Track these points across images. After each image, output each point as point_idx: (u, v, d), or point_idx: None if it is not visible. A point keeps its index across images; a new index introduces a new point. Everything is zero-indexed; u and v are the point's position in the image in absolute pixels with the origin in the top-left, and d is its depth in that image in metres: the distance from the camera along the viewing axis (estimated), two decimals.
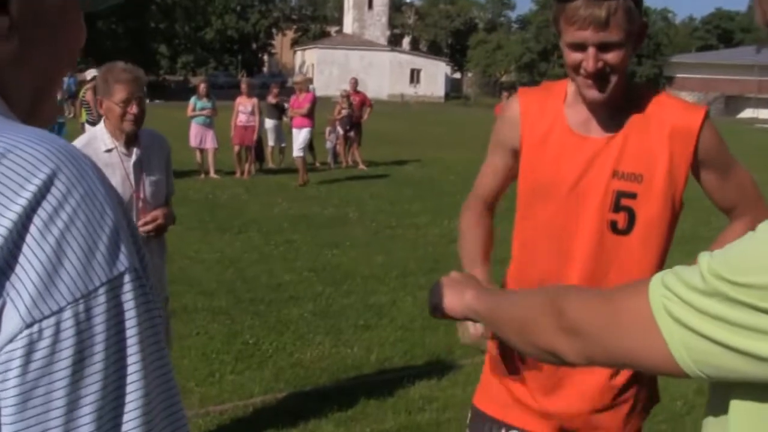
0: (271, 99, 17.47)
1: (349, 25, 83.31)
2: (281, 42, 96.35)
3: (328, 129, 18.23)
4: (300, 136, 15.46)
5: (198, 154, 15.76)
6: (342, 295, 7.45)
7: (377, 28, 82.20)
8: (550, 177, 2.22)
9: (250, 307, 6.89)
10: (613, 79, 2.06)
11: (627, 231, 2.16)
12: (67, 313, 0.69)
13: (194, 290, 7.32)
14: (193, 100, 15.66)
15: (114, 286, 0.73)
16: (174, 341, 5.83)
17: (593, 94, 2.09)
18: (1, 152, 0.71)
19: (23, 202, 0.69)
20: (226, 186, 14.51)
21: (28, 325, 0.67)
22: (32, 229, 0.69)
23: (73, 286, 0.70)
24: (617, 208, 2.15)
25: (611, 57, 2.02)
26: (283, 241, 9.78)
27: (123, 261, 0.74)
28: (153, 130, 4.04)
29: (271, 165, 17.66)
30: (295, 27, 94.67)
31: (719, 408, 1.02)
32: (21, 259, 0.68)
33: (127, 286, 0.74)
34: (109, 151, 3.69)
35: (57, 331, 0.68)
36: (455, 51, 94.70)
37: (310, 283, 7.83)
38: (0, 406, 0.68)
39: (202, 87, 15.85)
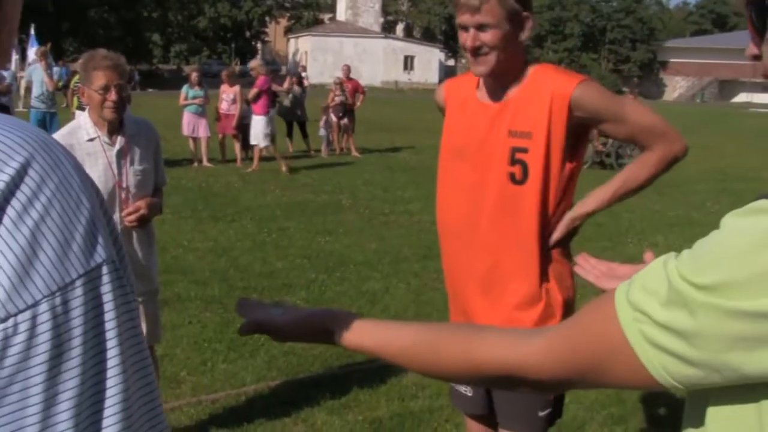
0: (275, 88, 17.49)
1: (342, 13, 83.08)
2: (274, 30, 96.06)
3: (323, 118, 18.17)
4: (257, 125, 15.12)
5: (191, 142, 15.71)
6: (335, 282, 7.43)
7: (370, 15, 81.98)
8: (462, 139, 2.70)
9: (243, 296, 6.84)
10: (492, 54, 2.49)
11: (522, 181, 2.56)
12: (43, 307, 0.66)
13: (187, 279, 7.30)
14: (185, 88, 15.61)
15: (91, 278, 0.70)
16: (165, 331, 5.82)
17: (476, 69, 2.55)
18: None
19: None
20: (219, 174, 14.47)
21: (2, 320, 0.64)
22: (5, 219, 0.66)
23: (49, 278, 0.67)
24: (513, 161, 2.56)
25: (486, 36, 2.47)
26: (276, 228, 9.75)
27: (100, 252, 0.72)
28: (141, 119, 4.01)
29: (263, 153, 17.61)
30: (288, 15, 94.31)
31: (697, 418, 0.98)
32: None
33: (105, 278, 0.72)
34: (91, 140, 3.66)
35: (33, 326, 0.65)
36: (449, 37, 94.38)
37: (304, 270, 7.81)
38: None
39: (194, 76, 15.81)
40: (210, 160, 15.65)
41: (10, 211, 0.66)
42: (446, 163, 2.79)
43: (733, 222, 0.89)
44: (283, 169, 14.90)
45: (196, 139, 15.64)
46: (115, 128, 3.72)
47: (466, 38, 2.50)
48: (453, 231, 2.78)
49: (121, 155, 3.72)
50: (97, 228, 0.72)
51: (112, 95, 3.59)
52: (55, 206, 0.69)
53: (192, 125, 15.53)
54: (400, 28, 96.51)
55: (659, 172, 2.61)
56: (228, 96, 16.01)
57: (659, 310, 0.91)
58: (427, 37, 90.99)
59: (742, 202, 0.90)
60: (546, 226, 2.60)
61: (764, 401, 0.88)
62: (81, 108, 14.13)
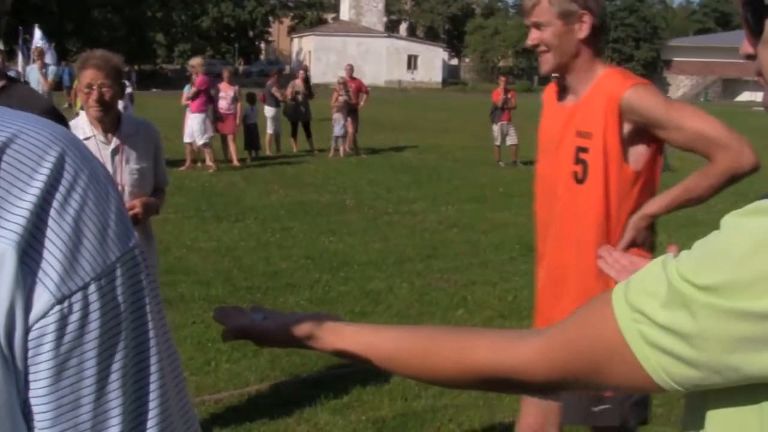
0: (275, 92, 17.54)
1: (345, 12, 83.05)
2: (278, 29, 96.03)
3: (334, 117, 18.10)
4: (194, 123, 14.95)
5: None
6: (339, 282, 7.43)
7: (374, 14, 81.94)
8: (546, 138, 2.93)
9: (246, 296, 6.88)
10: (549, 53, 2.70)
11: (582, 180, 2.69)
12: (92, 288, 0.72)
13: (191, 279, 7.30)
14: (187, 88, 15.60)
15: (127, 260, 0.76)
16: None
17: (540, 68, 2.80)
18: (9, 137, 0.72)
19: (39, 184, 0.71)
20: (222, 174, 14.48)
21: (59, 301, 0.70)
22: (51, 210, 0.71)
23: (94, 261, 0.73)
24: (577, 161, 2.70)
25: (541, 34, 2.70)
26: (279, 228, 9.76)
27: (130, 236, 0.78)
28: (142, 119, 4.04)
29: (267, 152, 17.63)
30: (291, 14, 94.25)
31: (696, 421, 0.98)
32: (44, 239, 0.70)
33: (138, 260, 0.78)
34: (87, 139, 3.70)
35: (85, 305, 0.72)
36: (452, 37, 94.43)
37: (307, 270, 7.81)
38: (31, 379, 0.71)
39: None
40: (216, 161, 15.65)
41: (54, 203, 0.72)
42: (538, 159, 3.02)
43: (735, 222, 0.88)
44: (211, 170, 14.76)
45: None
46: (109, 127, 3.76)
47: (528, 38, 2.76)
48: (539, 221, 2.97)
49: (115, 154, 3.76)
50: (124, 214, 0.79)
51: (94, 94, 3.62)
52: (90, 196, 0.74)
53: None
54: (403, 28, 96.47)
55: (720, 184, 2.58)
56: (227, 95, 16.03)
57: (659, 310, 0.90)
58: (431, 36, 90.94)
59: (747, 201, 0.90)
60: (605, 226, 2.68)
61: (765, 402, 0.88)
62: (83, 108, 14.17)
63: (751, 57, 1.01)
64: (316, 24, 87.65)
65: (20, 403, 0.71)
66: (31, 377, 0.71)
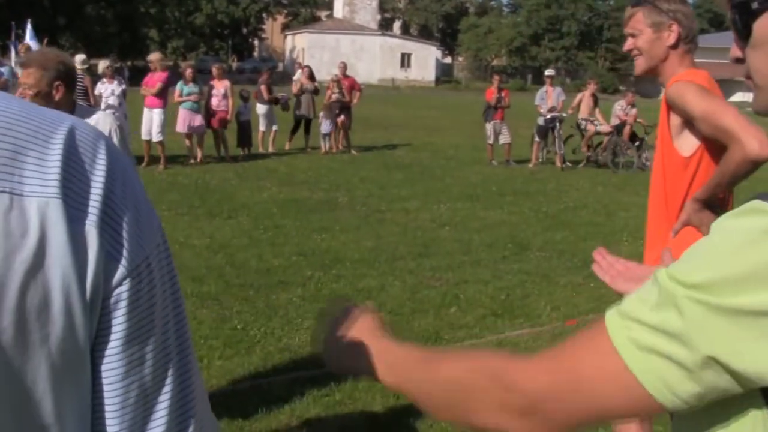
0: (264, 92, 17.53)
1: (339, 10, 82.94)
2: (271, 26, 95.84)
3: (321, 114, 18.13)
4: (156, 118, 14.81)
5: (186, 139, 15.71)
6: (331, 279, 7.44)
7: (368, 12, 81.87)
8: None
9: (239, 293, 6.88)
10: (641, 58, 3.11)
11: (650, 167, 3.26)
12: (152, 260, 0.82)
13: (183, 276, 7.29)
14: (179, 85, 15.57)
15: (164, 239, 0.87)
16: None
17: (635, 70, 3.20)
18: (72, 127, 0.80)
19: (101, 172, 0.79)
20: (215, 171, 14.47)
21: (129, 273, 0.79)
22: (115, 195, 0.79)
23: (149, 238, 0.82)
24: (656, 149, 3.20)
25: (635, 41, 3.11)
26: (272, 225, 9.76)
27: (158, 218, 0.87)
28: (99, 114, 4.10)
29: (261, 149, 17.61)
30: (285, 11, 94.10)
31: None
32: (113, 220, 0.79)
33: (165, 236, 0.88)
34: None
35: (149, 275, 0.81)
36: (446, 35, 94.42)
37: (299, 267, 7.82)
38: (110, 339, 0.79)
39: (189, 72, 15.80)
40: (206, 156, 15.63)
41: (117, 188, 0.80)
42: None
43: (725, 224, 0.89)
44: (162, 166, 14.64)
45: (191, 136, 15.62)
46: None
47: (625, 44, 3.20)
48: None
49: None
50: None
51: (26, 94, 3.74)
52: (135, 183, 0.84)
53: (187, 121, 15.51)
54: (397, 26, 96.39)
55: (738, 170, 2.74)
56: (218, 91, 16.04)
57: (649, 313, 0.90)
58: (424, 34, 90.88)
59: (739, 202, 0.91)
60: (663, 207, 3.10)
61: (756, 411, 0.89)
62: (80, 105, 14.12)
63: (740, 60, 1.02)
64: (310, 21, 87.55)
65: (91, 362, 0.80)
66: (108, 337, 0.80)
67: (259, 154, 17.03)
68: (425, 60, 77.58)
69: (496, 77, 18.62)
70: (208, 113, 15.82)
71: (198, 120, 15.56)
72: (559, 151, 17.47)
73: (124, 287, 0.79)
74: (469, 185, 14.06)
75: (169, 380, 0.84)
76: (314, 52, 72.57)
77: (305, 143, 18.18)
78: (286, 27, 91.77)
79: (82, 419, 0.80)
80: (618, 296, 4.82)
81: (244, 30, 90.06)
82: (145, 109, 15.00)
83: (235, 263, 7.88)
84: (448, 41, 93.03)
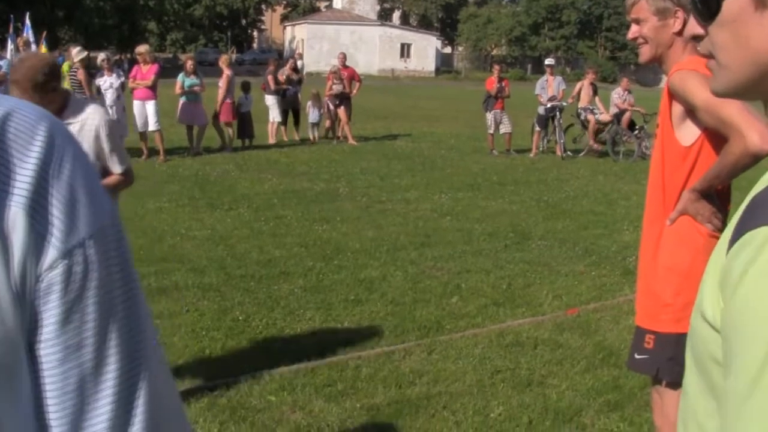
0: (271, 82, 17.55)
1: (338, 0, 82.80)
2: (271, 18, 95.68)
3: (309, 103, 18.11)
4: (150, 110, 14.74)
5: (188, 130, 15.71)
6: (332, 270, 7.44)
7: (367, 2, 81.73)
8: None
9: (240, 284, 6.88)
10: (646, 46, 3.06)
11: (651, 155, 3.17)
12: (89, 244, 0.81)
13: (185, 267, 7.30)
14: (180, 77, 15.57)
15: (114, 223, 0.86)
16: (162, 320, 5.83)
17: (640, 58, 3.16)
18: (7, 112, 0.80)
19: (36, 154, 0.80)
20: (216, 163, 14.46)
21: (63, 256, 0.79)
22: (49, 177, 0.80)
23: (88, 222, 0.82)
24: (656, 137, 3.13)
25: (638, 29, 3.06)
26: (273, 216, 9.76)
27: (110, 204, 0.87)
28: (92, 106, 4.09)
29: (271, 141, 17.60)
30: (284, 2, 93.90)
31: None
32: (46, 202, 0.79)
33: (120, 227, 0.88)
34: None
35: (85, 259, 0.81)
36: (446, 25, 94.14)
37: (301, 258, 7.82)
38: (41, 324, 0.79)
39: (190, 64, 15.78)
40: (206, 148, 15.61)
41: (51, 170, 0.80)
42: None
43: None
44: (161, 159, 14.58)
45: (192, 127, 15.62)
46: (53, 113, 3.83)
47: (629, 32, 3.16)
48: None
49: None
50: (102, 186, 0.88)
51: None
52: (78, 165, 0.83)
53: (188, 113, 15.51)
54: (396, 16, 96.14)
55: (738, 163, 2.71)
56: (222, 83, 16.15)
57: None
58: (424, 24, 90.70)
59: (739, 189, 0.91)
60: (660, 195, 3.05)
61: None
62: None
63: (697, 38, 1.01)
64: (309, 12, 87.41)
65: (26, 347, 0.79)
66: (41, 322, 0.80)
67: (259, 146, 17.00)
68: (425, 50, 77.47)
69: (496, 67, 18.56)
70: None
71: (200, 111, 15.55)
72: (559, 140, 17.44)
73: (57, 270, 0.79)
74: (469, 175, 14.05)
75: (112, 368, 0.83)
76: (314, 43, 72.51)
77: (296, 134, 18.21)
78: (285, 18, 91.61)
79: (22, 417, 0.80)
80: (619, 285, 4.92)
81: (243, 21, 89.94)
82: (136, 102, 14.82)
83: (236, 254, 7.88)
84: (447, 31, 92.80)
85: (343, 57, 19.20)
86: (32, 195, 0.78)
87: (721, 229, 2.91)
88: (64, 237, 0.80)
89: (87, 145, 3.91)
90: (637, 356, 3.09)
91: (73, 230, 0.80)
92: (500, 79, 17.64)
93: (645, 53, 3.09)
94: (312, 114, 18.07)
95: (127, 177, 4.28)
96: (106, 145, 4.07)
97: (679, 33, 2.99)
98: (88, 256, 0.81)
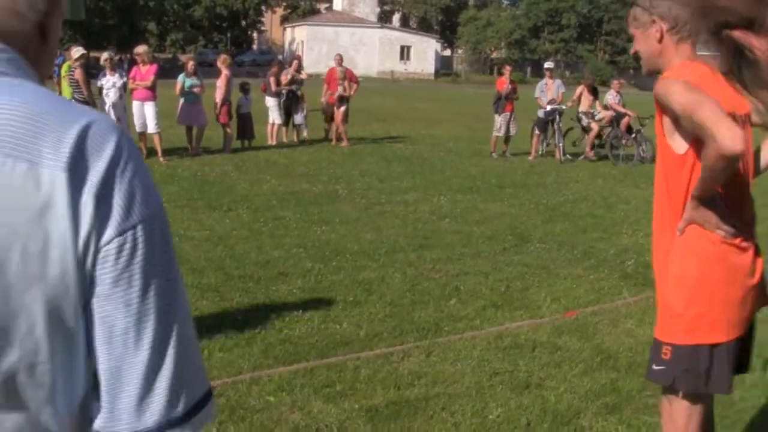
0: (273, 84, 17.55)
1: (338, 2, 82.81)
2: (271, 19, 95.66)
3: (303, 105, 18.10)
4: (150, 111, 14.77)
5: (187, 131, 15.72)
6: (331, 271, 7.44)
7: (367, 4, 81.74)
8: None
9: (239, 284, 6.88)
10: (643, 60, 3.14)
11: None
12: (139, 228, 1.06)
13: (183, 268, 7.29)
14: (181, 78, 15.58)
15: (161, 214, 1.11)
16: None
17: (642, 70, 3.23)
18: (90, 121, 1.06)
19: (107, 155, 1.04)
20: (215, 163, 14.46)
21: (118, 234, 1.04)
22: (116, 174, 1.04)
23: (140, 211, 1.06)
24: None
25: (635, 43, 3.17)
26: (272, 218, 9.76)
27: (159, 199, 1.12)
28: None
29: (270, 142, 17.60)
30: (284, 4, 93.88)
31: None
32: (112, 192, 1.04)
33: (166, 218, 1.13)
34: None
35: (134, 238, 1.05)
36: (445, 28, 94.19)
37: (299, 259, 7.82)
38: (97, 284, 1.04)
39: (191, 65, 15.79)
40: (205, 149, 15.60)
41: (118, 170, 1.05)
42: None
43: None
44: (161, 159, 14.57)
45: (191, 128, 15.63)
46: None
47: None
48: None
49: None
50: (153, 184, 1.13)
51: None
52: (139, 167, 1.08)
53: (188, 114, 15.52)
54: (396, 18, 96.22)
55: (714, 166, 2.67)
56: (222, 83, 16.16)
57: None
58: (424, 27, 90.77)
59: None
60: (665, 202, 3.02)
61: None
62: (78, 100, 14.11)
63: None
64: (309, 14, 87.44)
65: (82, 303, 1.04)
66: (96, 282, 1.04)
67: (258, 147, 17.01)
68: (424, 52, 77.56)
69: (507, 68, 18.49)
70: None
71: (199, 113, 15.56)
72: (559, 143, 17.45)
73: (113, 245, 1.04)
74: (468, 177, 14.06)
75: (150, 323, 1.07)
76: (313, 45, 72.57)
77: (296, 136, 18.21)
78: (285, 19, 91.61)
79: (76, 370, 1.06)
80: (617, 289, 4.93)
81: (243, 22, 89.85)
82: (135, 103, 14.84)
83: (235, 255, 7.88)
84: (447, 34, 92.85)
85: (340, 58, 19.19)
86: (100, 187, 1.03)
87: (733, 235, 2.89)
88: (121, 221, 1.04)
89: None
90: (655, 367, 3.06)
91: (129, 217, 1.05)
92: (511, 81, 17.59)
93: (644, 66, 3.17)
94: (297, 116, 18.15)
95: None
96: None
97: (662, 41, 3.03)
98: (137, 236, 1.06)
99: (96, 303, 1.05)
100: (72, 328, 1.04)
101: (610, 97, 18.25)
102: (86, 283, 1.04)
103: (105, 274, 1.04)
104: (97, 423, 1.09)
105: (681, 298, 2.94)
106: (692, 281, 2.93)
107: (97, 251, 1.03)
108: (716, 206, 2.87)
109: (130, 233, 1.05)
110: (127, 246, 1.05)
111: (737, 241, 2.90)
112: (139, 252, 1.06)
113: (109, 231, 1.04)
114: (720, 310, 2.91)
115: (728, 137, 2.54)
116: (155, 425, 1.09)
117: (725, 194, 2.89)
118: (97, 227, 1.03)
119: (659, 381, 3.09)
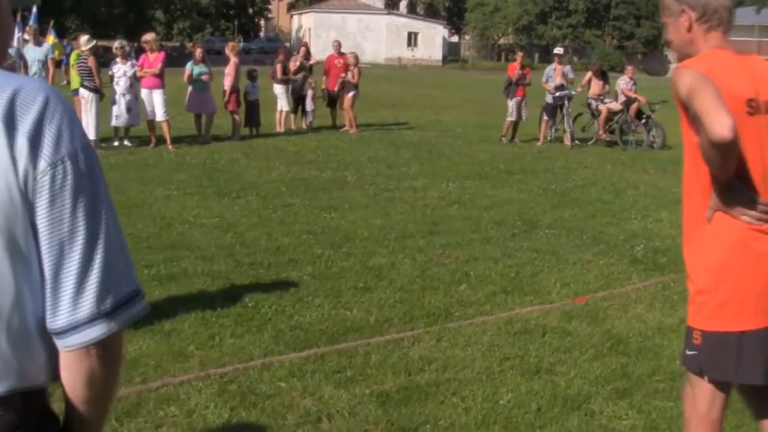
0: (279, 71, 17.54)
1: None
2: (278, 6, 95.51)
3: (310, 93, 18.06)
4: (158, 99, 14.71)
5: (196, 119, 15.73)
6: (341, 257, 7.45)
7: None
8: None
9: (249, 271, 6.90)
10: (672, 48, 3.15)
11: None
12: (67, 159, 1.37)
13: (194, 255, 7.32)
14: (189, 65, 15.57)
15: (86, 149, 1.41)
16: (173, 306, 5.86)
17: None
18: (20, 85, 1.37)
19: (37, 107, 1.36)
20: (223, 151, 14.47)
21: (50, 166, 1.35)
22: (45, 121, 1.36)
23: (68, 147, 1.37)
24: None
25: (665, 32, 3.15)
26: (281, 204, 9.78)
27: (88, 138, 1.47)
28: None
29: (278, 129, 17.59)
30: None
31: None
32: (42, 135, 1.35)
33: (94, 152, 1.44)
34: None
35: (64, 169, 1.36)
36: (453, 14, 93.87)
37: (309, 246, 7.84)
38: (37, 207, 1.35)
39: (199, 52, 15.81)
40: (214, 136, 15.60)
41: (47, 117, 1.36)
42: None
43: None
44: (170, 147, 14.55)
45: (200, 116, 15.63)
46: None
47: None
48: None
49: None
50: (82, 126, 1.46)
51: None
52: (65, 115, 1.39)
53: (197, 102, 15.52)
54: (403, 5, 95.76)
55: (709, 155, 2.71)
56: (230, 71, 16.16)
57: None
58: (431, 13, 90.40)
59: None
60: (694, 184, 2.98)
61: None
62: (90, 89, 14.13)
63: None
64: (316, 1, 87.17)
65: (31, 228, 1.36)
66: (37, 205, 1.36)
67: (266, 134, 17.01)
68: (432, 39, 77.31)
69: (519, 53, 18.54)
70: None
71: (208, 100, 15.56)
72: (568, 129, 17.41)
73: (47, 175, 1.35)
74: (477, 163, 14.05)
75: (81, 230, 1.38)
76: (320, 32, 72.33)
77: (304, 123, 18.18)
78: (292, 6, 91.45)
79: (34, 279, 1.38)
80: (627, 274, 4.94)
81: (250, 10, 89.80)
82: (144, 90, 14.88)
83: (245, 242, 7.90)
84: (454, 20, 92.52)
85: (338, 45, 19.30)
86: (32, 131, 1.34)
87: (759, 220, 2.86)
88: (51, 155, 1.35)
89: None
90: (687, 352, 3.06)
91: (57, 151, 1.36)
92: (522, 66, 17.58)
93: (673, 54, 3.20)
94: (308, 103, 18.11)
95: None
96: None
97: (691, 30, 3.02)
98: (66, 166, 1.36)
99: (39, 222, 1.35)
100: (26, 252, 1.36)
101: (623, 82, 18.17)
102: (30, 208, 1.35)
103: (42, 198, 1.35)
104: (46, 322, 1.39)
105: (707, 284, 2.93)
106: (716, 267, 2.91)
107: (34, 180, 1.34)
108: (743, 192, 2.86)
109: (60, 165, 1.35)
110: (59, 174, 1.35)
111: (765, 227, 2.87)
112: (69, 178, 1.36)
113: (42, 163, 1.34)
114: (746, 296, 2.87)
115: (717, 124, 2.55)
116: (87, 318, 1.38)
117: (755, 180, 2.87)
118: (33, 162, 1.34)
119: (690, 366, 3.07)
